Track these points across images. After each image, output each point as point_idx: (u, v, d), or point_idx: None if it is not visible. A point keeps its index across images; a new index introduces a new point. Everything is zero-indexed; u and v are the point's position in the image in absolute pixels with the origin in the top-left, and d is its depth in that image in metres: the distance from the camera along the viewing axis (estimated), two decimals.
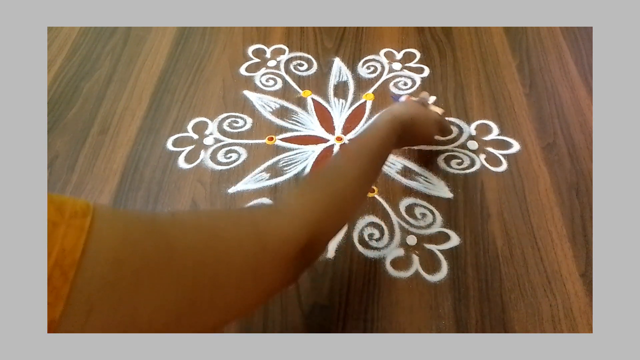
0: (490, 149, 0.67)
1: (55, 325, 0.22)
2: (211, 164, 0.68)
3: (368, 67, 0.79)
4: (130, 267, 0.25)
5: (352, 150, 0.49)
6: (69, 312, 0.22)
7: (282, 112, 0.74)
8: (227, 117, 0.73)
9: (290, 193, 0.44)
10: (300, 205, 0.40)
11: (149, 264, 0.26)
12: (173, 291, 0.27)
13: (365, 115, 0.72)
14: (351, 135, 0.70)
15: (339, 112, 0.73)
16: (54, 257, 0.22)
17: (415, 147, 0.67)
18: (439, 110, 0.66)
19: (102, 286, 0.24)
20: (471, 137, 0.68)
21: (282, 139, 0.70)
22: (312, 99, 0.75)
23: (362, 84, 0.77)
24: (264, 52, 0.83)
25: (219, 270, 0.31)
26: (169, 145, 0.70)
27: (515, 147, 0.67)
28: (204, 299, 0.30)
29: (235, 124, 0.72)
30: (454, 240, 0.58)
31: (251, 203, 0.63)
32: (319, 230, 0.39)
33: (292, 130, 0.71)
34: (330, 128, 0.71)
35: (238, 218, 0.38)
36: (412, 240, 0.58)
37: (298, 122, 0.72)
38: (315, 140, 0.70)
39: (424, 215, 0.60)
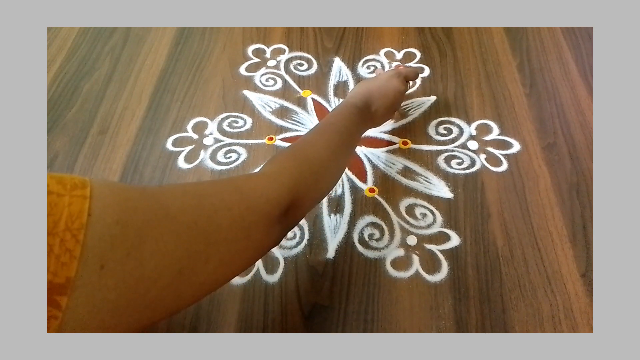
0: (491, 149, 0.67)
1: (71, 282, 0.24)
2: (211, 164, 0.68)
3: (368, 67, 0.79)
4: (133, 226, 0.28)
5: (317, 126, 0.54)
6: (83, 269, 0.25)
7: (282, 112, 0.74)
8: (227, 117, 0.73)
9: (265, 164, 0.47)
10: (277, 171, 0.44)
11: (149, 223, 0.29)
12: (172, 247, 0.30)
13: None
14: None
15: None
16: (63, 222, 0.25)
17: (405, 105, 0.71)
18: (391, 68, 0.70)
19: (110, 245, 0.26)
20: (471, 137, 0.68)
21: (282, 139, 0.70)
22: (312, 99, 0.75)
23: None
24: (264, 51, 0.83)
25: (210, 229, 0.33)
26: (169, 145, 0.70)
27: (516, 147, 0.67)
28: (201, 254, 0.33)
29: (235, 124, 0.72)
30: (454, 240, 0.58)
31: None
32: (297, 192, 0.43)
33: (292, 130, 0.71)
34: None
35: (221, 184, 0.41)
36: (412, 240, 0.58)
37: (298, 122, 0.72)
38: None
39: (424, 215, 0.60)
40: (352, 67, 0.79)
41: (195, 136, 0.71)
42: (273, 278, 0.56)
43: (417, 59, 0.80)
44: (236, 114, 0.74)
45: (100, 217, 0.26)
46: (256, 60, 0.82)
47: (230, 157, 0.68)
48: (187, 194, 0.35)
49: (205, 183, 0.45)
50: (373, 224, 0.60)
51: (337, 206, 0.62)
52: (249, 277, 0.56)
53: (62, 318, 0.24)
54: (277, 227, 0.41)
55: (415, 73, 0.70)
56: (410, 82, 0.70)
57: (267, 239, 0.41)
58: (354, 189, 0.63)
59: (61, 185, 0.26)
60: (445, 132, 0.69)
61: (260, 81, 0.78)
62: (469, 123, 0.70)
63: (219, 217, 0.35)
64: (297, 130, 0.71)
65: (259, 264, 0.57)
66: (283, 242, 0.59)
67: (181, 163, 0.68)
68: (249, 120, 0.73)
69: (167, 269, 0.30)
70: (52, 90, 0.78)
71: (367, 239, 0.59)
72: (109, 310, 0.26)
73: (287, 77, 0.79)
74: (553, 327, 0.51)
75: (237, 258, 0.37)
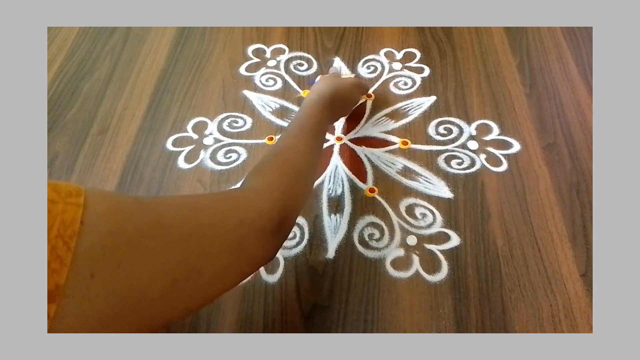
0: (491, 149, 0.67)
1: (61, 290, 0.24)
2: (211, 164, 0.68)
3: (368, 67, 0.79)
4: (125, 236, 0.28)
5: (294, 129, 0.54)
6: (73, 277, 0.25)
7: (282, 112, 0.74)
8: (227, 117, 0.73)
9: (253, 177, 0.46)
10: (267, 185, 0.44)
11: (142, 234, 0.29)
12: (165, 258, 0.30)
13: (366, 115, 0.72)
14: (351, 135, 0.70)
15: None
16: (55, 229, 0.25)
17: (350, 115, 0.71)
18: (351, 76, 0.71)
19: (101, 254, 0.26)
20: (471, 137, 0.68)
21: None
22: None
23: None
24: (264, 52, 0.83)
25: (204, 241, 0.33)
26: (169, 145, 0.70)
27: (516, 147, 0.67)
28: (194, 266, 0.32)
29: (235, 124, 0.72)
30: (454, 240, 0.58)
31: None
32: (288, 204, 0.43)
33: None
34: (330, 128, 0.71)
35: (216, 197, 0.42)
36: (412, 240, 0.58)
37: None
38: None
39: (424, 215, 0.60)
40: (352, 67, 0.79)
41: (195, 136, 0.71)
42: (273, 278, 0.56)
43: (417, 59, 0.80)
44: (236, 114, 0.74)
45: (93, 226, 0.26)
46: (256, 60, 0.82)
47: (230, 157, 0.68)
48: (183, 206, 0.35)
49: (202, 196, 0.46)
50: (373, 224, 0.60)
51: (337, 206, 0.62)
52: (249, 277, 0.56)
53: (49, 326, 0.24)
54: (271, 241, 0.42)
55: (368, 88, 0.75)
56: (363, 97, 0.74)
57: (261, 253, 0.41)
58: (354, 189, 0.63)
59: (56, 192, 0.26)
60: (445, 132, 0.69)
61: (260, 81, 0.78)
62: (469, 123, 0.70)
63: (213, 230, 0.35)
64: None
65: None
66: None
67: (181, 163, 0.68)
68: (249, 120, 0.73)
69: (159, 280, 0.30)
70: (52, 90, 0.78)
71: (367, 239, 0.59)
72: (98, 320, 0.26)
73: (287, 77, 0.79)
74: (553, 327, 0.51)
75: (231, 271, 0.37)
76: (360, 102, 0.73)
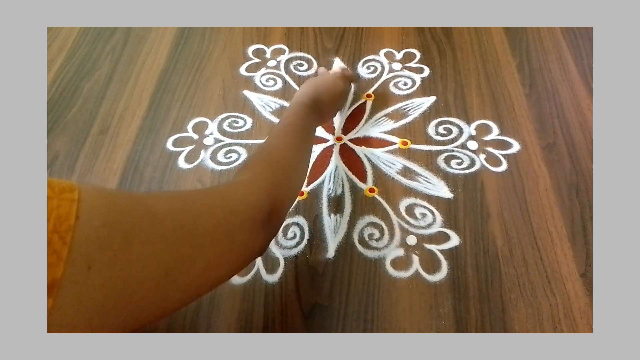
0: (490, 149, 0.67)
1: (58, 282, 0.24)
2: (211, 164, 0.68)
3: (368, 67, 0.79)
4: (120, 229, 0.28)
5: (276, 130, 0.55)
6: (70, 270, 0.25)
7: (282, 112, 0.74)
8: (227, 117, 0.73)
9: (239, 172, 0.48)
10: (254, 177, 0.45)
11: (135, 226, 0.29)
12: (159, 249, 0.31)
13: (365, 115, 0.72)
14: (351, 135, 0.70)
15: (339, 112, 0.73)
16: (51, 224, 0.25)
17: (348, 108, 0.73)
18: (342, 65, 0.72)
19: (97, 247, 0.27)
20: (471, 137, 0.68)
21: None
22: None
23: (362, 84, 0.77)
24: (264, 52, 0.83)
25: (195, 232, 0.34)
26: (169, 145, 0.70)
27: (515, 147, 0.67)
28: (186, 257, 0.33)
29: (235, 124, 0.73)
30: (454, 240, 0.58)
31: None
32: (276, 195, 0.44)
33: None
34: (329, 128, 0.71)
35: (204, 191, 0.43)
36: (412, 240, 0.58)
37: None
38: (314, 140, 0.70)
39: (424, 215, 0.60)
40: (352, 67, 0.79)
41: (195, 136, 0.71)
42: (273, 278, 0.56)
43: (417, 59, 0.80)
44: (236, 114, 0.74)
45: (88, 220, 0.26)
46: (256, 60, 0.82)
47: (231, 157, 0.68)
48: (173, 199, 0.36)
49: (190, 190, 0.47)
50: (373, 224, 0.60)
51: (337, 206, 0.62)
52: (249, 277, 0.56)
53: (48, 318, 0.24)
54: (261, 233, 0.42)
55: (358, 76, 0.76)
56: (352, 84, 0.75)
57: (251, 243, 0.41)
58: (354, 189, 0.63)
59: (50, 188, 0.26)
60: (445, 132, 0.69)
61: (261, 81, 0.78)
62: (468, 123, 0.70)
63: (203, 221, 0.35)
64: None
65: (259, 263, 0.57)
66: (283, 242, 0.59)
67: (181, 163, 0.68)
68: (249, 121, 0.73)
69: (154, 271, 0.30)
70: (53, 90, 0.78)
71: (367, 238, 0.59)
72: (96, 310, 0.26)
73: (287, 78, 0.79)
74: (553, 327, 0.51)
75: (223, 261, 0.38)
76: (352, 91, 0.75)
